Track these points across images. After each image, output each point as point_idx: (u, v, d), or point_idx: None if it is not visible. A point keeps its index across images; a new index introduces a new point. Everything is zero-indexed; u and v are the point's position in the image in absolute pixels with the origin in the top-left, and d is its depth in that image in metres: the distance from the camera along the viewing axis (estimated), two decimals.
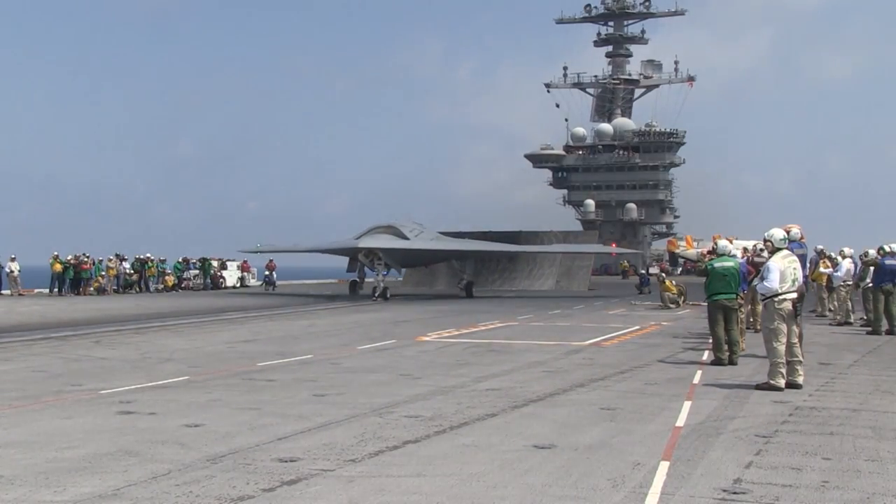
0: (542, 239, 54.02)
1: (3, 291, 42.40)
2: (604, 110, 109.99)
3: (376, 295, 39.53)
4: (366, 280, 45.76)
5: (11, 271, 42.95)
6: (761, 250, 17.64)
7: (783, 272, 12.56)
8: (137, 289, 47.41)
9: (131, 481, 7.35)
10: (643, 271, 58.95)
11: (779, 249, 12.89)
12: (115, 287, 46.18)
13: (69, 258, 43.88)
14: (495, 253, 50.63)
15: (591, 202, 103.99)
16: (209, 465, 7.89)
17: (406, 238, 41.97)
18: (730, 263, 15.85)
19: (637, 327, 24.01)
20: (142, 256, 49.10)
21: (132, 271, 48.02)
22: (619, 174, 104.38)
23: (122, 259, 47.88)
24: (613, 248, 59.69)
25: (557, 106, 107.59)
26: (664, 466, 7.83)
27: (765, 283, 12.64)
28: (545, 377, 13.93)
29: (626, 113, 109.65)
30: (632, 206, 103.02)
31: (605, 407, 11.03)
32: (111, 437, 9.12)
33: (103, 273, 45.55)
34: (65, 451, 8.45)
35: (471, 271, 46.40)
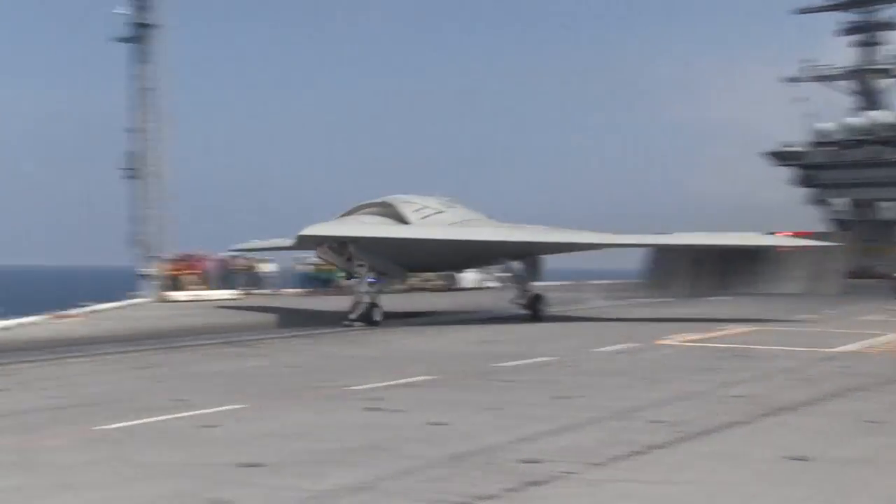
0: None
1: (260, 291, 45.12)
2: (853, 103, 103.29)
3: (353, 316, 25.19)
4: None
5: (267, 272, 45.82)
6: None
7: None
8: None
9: (382, 475, 7.57)
10: None
11: None
12: None
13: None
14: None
15: (840, 201, 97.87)
16: (454, 463, 8.00)
17: (406, 222, 26.79)
18: None
19: None
20: None
21: None
22: (871, 171, 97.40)
23: None
24: (783, 239, 39.61)
25: (799, 101, 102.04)
26: None
27: None
28: (796, 385, 13.18)
29: (878, 105, 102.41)
30: (887, 204, 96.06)
31: (869, 419, 10.25)
32: (361, 433, 9.45)
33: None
34: (320, 444, 8.85)
35: (530, 275, 29.92)
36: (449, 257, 29.94)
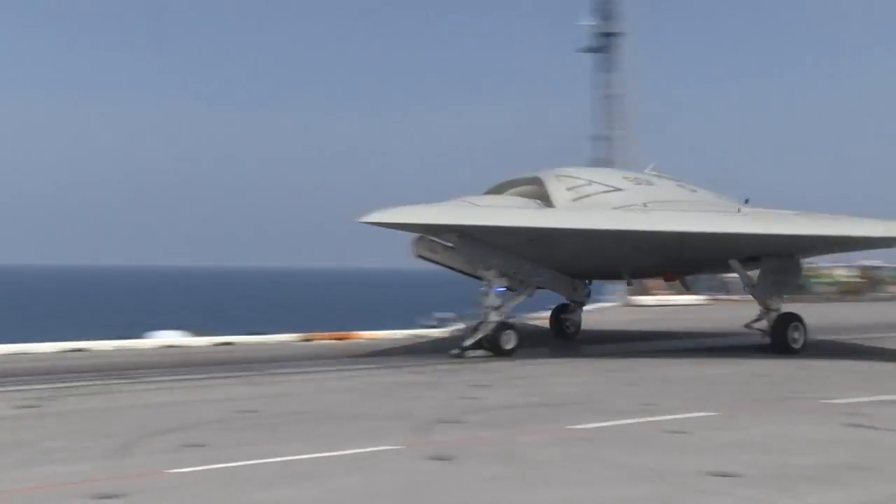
0: None
1: (728, 297, 43.82)
2: None
3: (468, 342, 18.28)
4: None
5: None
6: None
7: None
8: None
9: (869, 498, 6.91)
10: None
11: None
12: None
13: None
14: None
15: None
16: None
17: (552, 206, 18.71)
18: None
19: None
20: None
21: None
22: None
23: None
24: None
25: None
26: None
27: None
28: None
29: None
30: None
31: None
32: (842, 449, 8.77)
33: None
34: (796, 457, 8.32)
35: (775, 286, 19.81)
36: (630, 257, 19.86)
